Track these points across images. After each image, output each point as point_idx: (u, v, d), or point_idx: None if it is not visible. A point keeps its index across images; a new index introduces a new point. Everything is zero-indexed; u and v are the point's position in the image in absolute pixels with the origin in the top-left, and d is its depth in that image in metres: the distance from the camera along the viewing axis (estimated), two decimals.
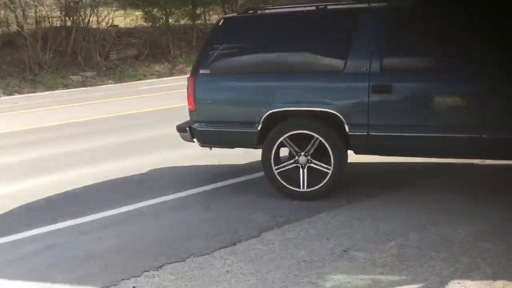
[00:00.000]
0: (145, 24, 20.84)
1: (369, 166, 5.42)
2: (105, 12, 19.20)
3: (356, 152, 4.45)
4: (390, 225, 3.90)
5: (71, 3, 18.02)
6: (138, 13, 20.98)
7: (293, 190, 4.47)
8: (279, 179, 4.48)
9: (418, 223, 3.92)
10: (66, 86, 16.29)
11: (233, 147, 5.03)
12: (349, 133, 4.21)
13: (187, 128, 4.74)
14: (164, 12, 20.63)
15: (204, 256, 3.56)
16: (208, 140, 4.79)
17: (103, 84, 16.71)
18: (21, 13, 17.67)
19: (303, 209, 4.32)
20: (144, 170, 5.82)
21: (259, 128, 4.41)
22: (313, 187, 4.42)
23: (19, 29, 17.07)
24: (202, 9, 21.92)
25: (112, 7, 19.88)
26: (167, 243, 3.82)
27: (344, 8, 4.49)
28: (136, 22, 21.07)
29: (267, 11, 4.92)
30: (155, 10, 20.54)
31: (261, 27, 4.67)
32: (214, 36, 4.71)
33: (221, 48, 4.57)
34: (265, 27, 4.67)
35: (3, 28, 17.72)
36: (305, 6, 4.70)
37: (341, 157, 4.34)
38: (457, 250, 3.44)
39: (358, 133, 4.20)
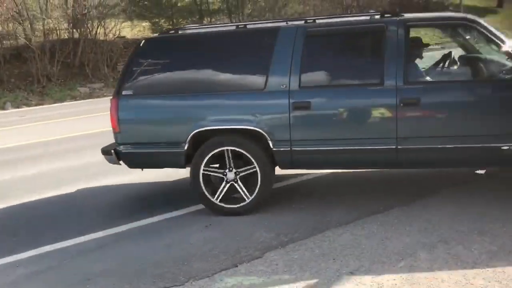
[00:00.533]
0: (152, 35, 20.90)
1: (373, 181, 5.25)
2: (112, 24, 19.25)
3: (282, 168, 4.55)
4: (399, 244, 3.73)
5: (79, 15, 18.08)
6: (146, 24, 21.04)
7: (239, 206, 4.51)
8: (207, 195, 4.51)
9: (428, 241, 3.74)
10: (74, 98, 16.28)
11: (162, 168, 5.00)
12: (274, 149, 4.31)
13: (112, 151, 4.64)
14: (171, 22, 20.67)
15: (204, 280, 3.41)
16: (135, 162, 4.74)
17: (111, 95, 16.65)
18: (29, 26, 17.75)
19: (308, 227, 4.16)
20: (140, 186, 5.70)
21: (185, 148, 4.40)
22: (235, 204, 4.52)
23: (27, 42, 17.13)
24: (209, 19, 21.95)
25: (119, 18, 19.94)
26: (165, 265, 3.68)
27: (264, 27, 4.77)
28: (144, 33, 21.14)
29: (188, 31, 4.94)
30: (162, 20, 20.61)
31: (183, 47, 4.73)
32: (136, 56, 4.67)
33: (143, 68, 4.57)
34: (187, 47, 4.74)
35: (11, 41, 17.80)
36: (227, 26, 4.86)
37: (268, 173, 4.42)
38: (471, 271, 3.25)
39: (282, 149, 4.30)
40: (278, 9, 21.80)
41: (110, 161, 4.79)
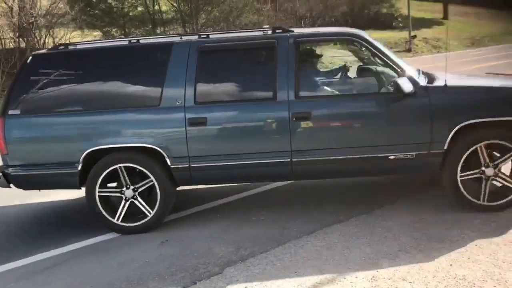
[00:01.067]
0: None
1: (331, 190, 5.22)
2: (62, 33, 18.61)
3: (181, 184, 4.48)
4: (361, 253, 3.68)
5: (25, 24, 17.37)
6: (97, 33, 20.52)
7: (141, 224, 4.39)
8: (107, 216, 4.36)
9: (389, 250, 3.71)
10: None
11: (56, 189, 4.77)
12: (172, 166, 4.24)
13: (0, 174, 4.38)
14: (123, 32, 20.25)
15: None
16: (27, 184, 4.51)
17: None
18: None
19: (269, 239, 4.05)
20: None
21: (79, 168, 4.25)
22: (137, 222, 4.40)
23: None
24: (162, 28, 21.66)
25: (69, 27, 19.32)
26: (119, 286, 3.47)
27: (157, 42, 4.67)
28: None
29: (79, 46, 4.69)
30: (114, 30, 20.14)
31: (73, 63, 4.51)
32: (23, 73, 4.44)
33: (31, 86, 4.35)
34: (77, 62, 4.53)
35: None
36: (119, 41, 4.75)
37: (167, 191, 4.34)
38: (432, 280, 3.24)
39: (180, 166, 4.25)
40: (233, 19, 21.78)
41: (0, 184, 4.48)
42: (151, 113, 4.29)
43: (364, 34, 4.54)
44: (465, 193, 4.22)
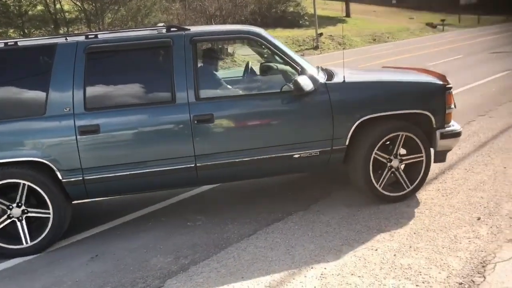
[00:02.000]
0: None
1: (266, 189, 5.13)
2: None
3: (76, 199, 4.15)
4: (305, 251, 3.61)
5: None
6: None
7: (17, 249, 3.94)
8: None
9: (332, 245, 3.68)
10: None
11: None
12: (63, 180, 3.90)
13: None
14: (21, 33, 18.78)
15: None
16: None
17: None
18: None
19: (209, 245, 3.86)
20: None
21: None
22: (37, 239, 3.98)
23: None
24: (66, 28, 20.40)
25: None
26: None
27: (38, 44, 4.17)
28: None
29: None
30: (11, 31, 18.62)
31: None
32: None
33: None
34: None
35: None
36: None
37: (60, 205, 3.97)
38: (380, 272, 3.24)
39: (73, 179, 3.91)
40: (141, 18, 21.07)
41: None
42: (36, 122, 3.85)
43: (263, 32, 4.37)
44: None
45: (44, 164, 3.84)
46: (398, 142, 4.28)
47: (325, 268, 3.34)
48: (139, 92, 4.10)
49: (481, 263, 3.25)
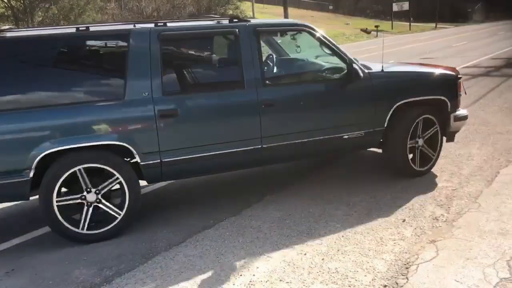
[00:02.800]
0: None
1: (197, 195, 5.04)
2: None
3: (150, 182, 4.31)
4: (235, 258, 3.55)
5: None
6: None
7: (75, 231, 3.90)
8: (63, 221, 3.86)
9: (262, 250, 3.65)
10: None
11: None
12: (142, 163, 3.98)
13: None
14: None
15: None
16: None
17: None
18: None
19: (135, 255, 3.71)
20: None
21: (31, 175, 3.69)
22: (98, 229, 3.97)
23: None
24: None
25: None
26: None
27: (113, 30, 4.28)
28: None
29: (15, 33, 4.00)
30: None
31: (11, 53, 3.81)
32: None
33: None
34: (16, 53, 3.84)
35: None
36: (64, 28, 4.17)
37: (137, 191, 4.05)
38: (308, 277, 3.24)
39: (151, 162, 4.01)
40: (74, 17, 20.29)
41: None
42: (115, 107, 3.89)
43: (314, 26, 4.72)
44: (410, 161, 4.91)
45: (124, 148, 3.89)
46: (421, 124, 4.89)
47: (254, 275, 3.30)
48: (210, 78, 4.43)
49: (405, 264, 3.33)
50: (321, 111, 4.57)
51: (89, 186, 3.88)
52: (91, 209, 3.90)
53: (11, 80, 3.73)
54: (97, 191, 3.91)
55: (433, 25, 48.07)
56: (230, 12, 37.39)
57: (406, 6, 41.87)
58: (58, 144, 3.71)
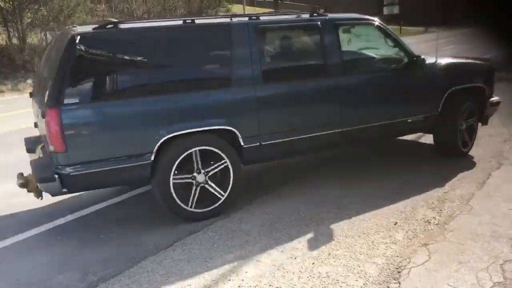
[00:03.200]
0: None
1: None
2: None
3: (247, 164, 4.52)
4: (223, 263, 3.46)
5: None
6: None
7: (183, 208, 4.14)
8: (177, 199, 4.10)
9: (249, 254, 3.57)
10: None
11: (120, 185, 4.52)
12: (244, 146, 4.27)
13: (57, 176, 3.68)
14: None
15: None
16: (84, 185, 4.00)
17: None
18: None
19: (122, 259, 3.61)
20: None
21: (152, 158, 3.92)
22: (203, 208, 4.23)
23: None
24: None
25: None
26: None
27: (216, 22, 4.57)
28: None
29: (129, 25, 4.19)
30: None
31: (127, 43, 4.03)
32: (71, 56, 3.73)
33: (84, 69, 3.82)
34: (134, 43, 4.06)
35: None
36: (172, 21, 4.41)
37: (240, 173, 4.34)
38: (298, 282, 3.16)
39: (252, 145, 4.31)
40: (64, 18, 20.06)
41: (51, 190, 3.79)
42: (224, 93, 4.20)
43: (381, 21, 5.23)
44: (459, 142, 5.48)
45: (230, 132, 4.18)
46: (464, 109, 5.42)
47: (242, 280, 3.22)
48: (300, 67, 4.75)
49: (397, 268, 3.27)
50: (391, 97, 5.09)
51: (200, 167, 4.12)
52: (198, 188, 4.14)
53: (134, 68, 4.04)
54: (206, 173, 4.16)
55: (423, 29, 48.43)
56: (221, 14, 37.34)
57: (396, 10, 42.05)
58: (178, 129, 3.96)
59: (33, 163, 4.15)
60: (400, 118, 5.08)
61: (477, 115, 5.58)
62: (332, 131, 4.68)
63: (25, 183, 4.05)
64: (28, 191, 4.10)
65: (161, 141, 3.90)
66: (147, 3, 24.60)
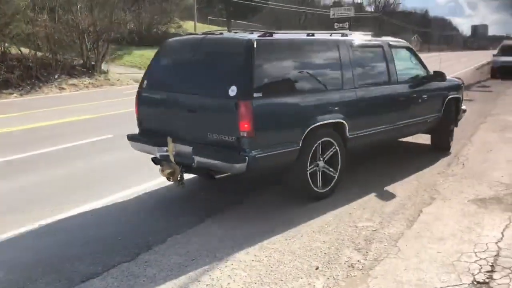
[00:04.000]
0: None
1: (96, 234, 4.43)
2: None
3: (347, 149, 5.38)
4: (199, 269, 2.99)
5: None
6: None
7: (315, 190, 5.04)
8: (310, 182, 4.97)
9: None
10: None
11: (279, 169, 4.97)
12: (349, 136, 5.26)
13: (247, 157, 4.33)
14: None
15: None
16: (262, 167, 4.59)
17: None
18: None
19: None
20: None
21: (300, 144, 4.74)
22: (324, 188, 5.14)
23: None
24: None
25: None
26: None
27: (329, 39, 5.62)
28: None
29: (281, 36, 5.09)
30: None
31: (283, 50, 4.91)
32: (253, 57, 4.48)
33: (261, 69, 4.55)
34: (286, 50, 4.95)
35: None
36: (299, 33, 5.57)
37: (345, 158, 5.31)
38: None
39: (353, 136, 5.30)
40: (0, 28, 18.99)
41: (232, 170, 4.42)
42: (338, 94, 5.26)
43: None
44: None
45: (341, 124, 5.16)
46: (452, 112, 7.28)
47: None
48: (374, 76, 5.95)
49: None
50: (423, 101, 6.57)
51: (320, 155, 5.01)
52: (320, 172, 5.05)
53: (292, 70, 4.90)
54: (323, 159, 5.05)
55: None
56: (173, 30, 36.81)
57: (346, 27, 42.99)
58: (320, 120, 4.91)
59: (198, 150, 4.55)
60: (426, 117, 6.65)
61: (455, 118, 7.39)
62: (391, 126, 5.97)
63: (172, 172, 4.72)
64: (172, 180, 4.84)
65: (307, 130, 4.75)
66: (93, 16, 23.73)
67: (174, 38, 5.64)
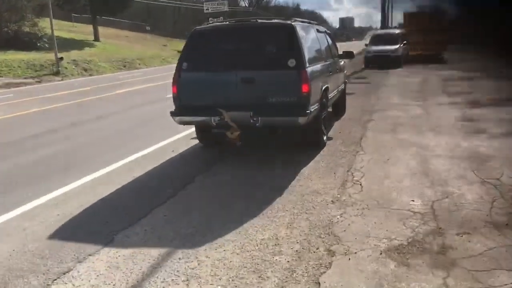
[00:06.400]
0: None
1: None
2: None
3: None
4: None
5: None
6: None
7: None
8: None
9: None
10: None
11: None
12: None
13: (308, 111, 5.72)
14: None
15: None
16: (310, 119, 5.90)
17: None
18: None
19: None
20: None
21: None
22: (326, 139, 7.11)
23: None
24: None
25: None
26: None
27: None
28: None
29: (296, 22, 6.31)
30: None
31: (310, 31, 6.89)
32: (298, 37, 5.82)
33: (303, 46, 5.89)
34: (310, 31, 6.85)
35: None
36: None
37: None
38: None
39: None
40: None
41: (297, 123, 5.63)
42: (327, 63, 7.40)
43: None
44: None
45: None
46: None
47: None
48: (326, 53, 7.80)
49: None
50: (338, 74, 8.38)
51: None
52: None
53: (311, 47, 6.46)
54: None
55: None
56: (27, 29, 32.47)
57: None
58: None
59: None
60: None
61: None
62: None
63: (239, 133, 5.75)
64: (230, 138, 5.81)
65: (324, 87, 6.52)
66: None
67: (203, 26, 6.31)
